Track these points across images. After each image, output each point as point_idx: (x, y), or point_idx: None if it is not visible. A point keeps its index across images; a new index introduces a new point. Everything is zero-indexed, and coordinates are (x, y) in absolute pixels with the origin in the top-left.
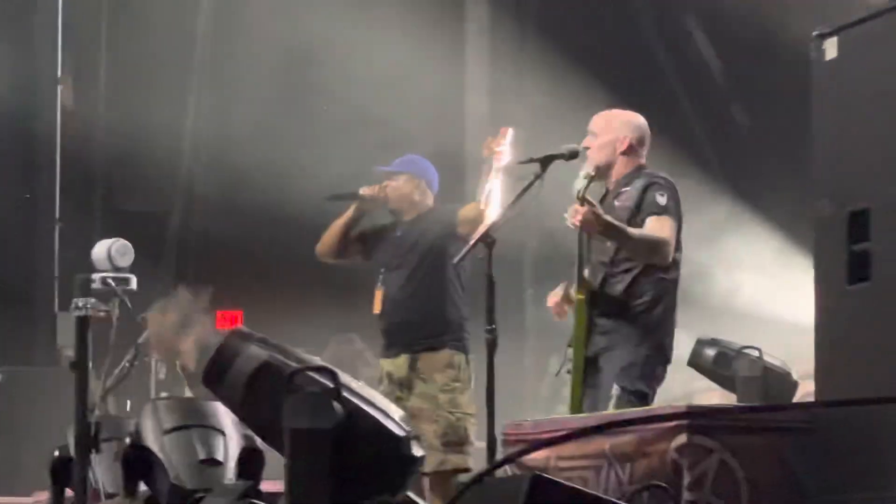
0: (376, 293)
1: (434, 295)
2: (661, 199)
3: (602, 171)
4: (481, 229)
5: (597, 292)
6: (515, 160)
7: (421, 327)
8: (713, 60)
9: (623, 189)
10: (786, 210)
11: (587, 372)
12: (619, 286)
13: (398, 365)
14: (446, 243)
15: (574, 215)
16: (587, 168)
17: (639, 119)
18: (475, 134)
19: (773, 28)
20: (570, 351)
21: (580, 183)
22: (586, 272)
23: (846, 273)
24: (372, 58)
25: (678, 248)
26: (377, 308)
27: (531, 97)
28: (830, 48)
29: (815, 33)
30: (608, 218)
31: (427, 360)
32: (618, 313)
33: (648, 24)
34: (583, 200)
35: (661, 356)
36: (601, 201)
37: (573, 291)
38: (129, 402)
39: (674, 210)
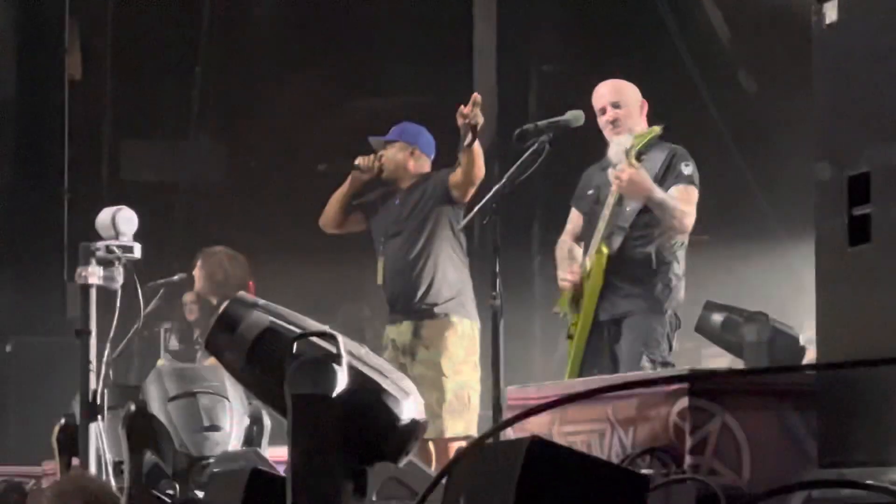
0: (379, 263)
1: (434, 261)
2: (687, 170)
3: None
4: (472, 191)
5: (614, 255)
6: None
7: (423, 294)
8: (721, 26)
9: (643, 154)
10: (793, 175)
11: (604, 334)
12: (641, 250)
13: (402, 331)
14: (443, 208)
15: (622, 173)
16: (628, 134)
17: None
18: (484, 100)
19: None
20: (569, 315)
21: (628, 143)
22: (602, 234)
23: (847, 235)
24: (378, 23)
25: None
26: (380, 278)
27: (538, 64)
28: (830, 12)
29: None
30: (652, 184)
31: (430, 326)
32: (642, 278)
33: None
34: (632, 160)
35: (677, 323)
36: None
37: (592, 252)
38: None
39: (696, 180)
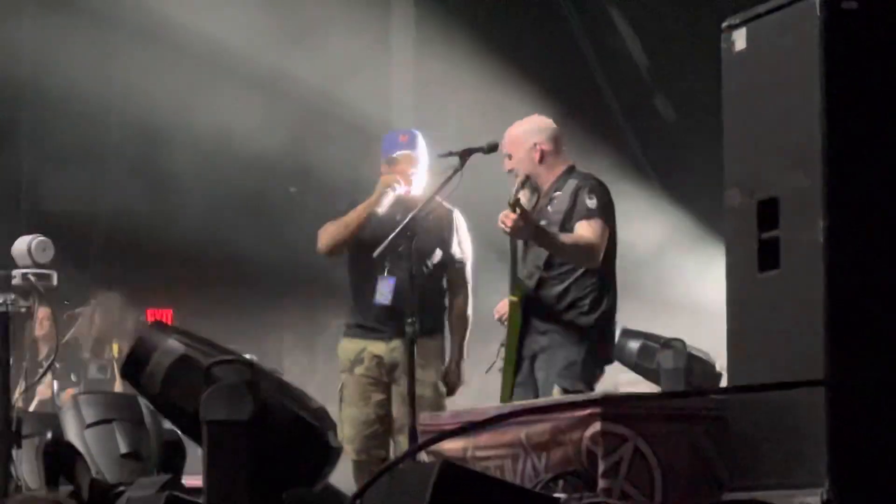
0: (381, 281)
1: (431, 282)
2: (591, 202)
3: (532, 182)
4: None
5: (531, 295)
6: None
7: (426, 315)
8: (638, 54)
9: (555, 194)
10: (709, 201)
11: (524, 369)
12: (555, 289)
13: (391, 348)
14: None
15: (505, 221)
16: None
17: (543, 121)
18: (401, 128)
19: (698, 21)
20: (503, 350)
21: (514, 189)
22: (523, 274)
23: (756, 261)
24: (299, 56)
25: (614, 248)
26: (383, 295)
27: (457, 92)
28: (739, 39)
29: (724, 24)
30: (539, 224)
31: (424, 345)
32: (556, 315)
33: (574, 19)
34: (514, 206)
35: (601, 357)
36: (534, 208)
37: (510, 295)
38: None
39: (603, 212)
